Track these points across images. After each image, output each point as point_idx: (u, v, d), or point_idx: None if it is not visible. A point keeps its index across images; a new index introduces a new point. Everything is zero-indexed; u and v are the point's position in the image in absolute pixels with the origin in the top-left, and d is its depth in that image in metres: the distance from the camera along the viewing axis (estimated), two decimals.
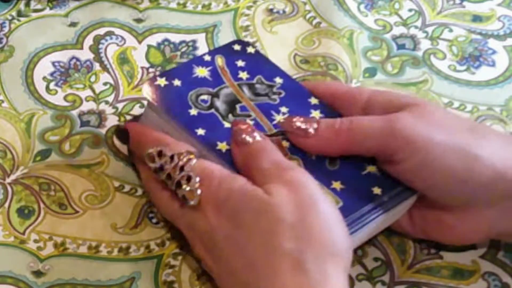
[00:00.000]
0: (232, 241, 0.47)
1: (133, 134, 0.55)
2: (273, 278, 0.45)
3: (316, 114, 0.54)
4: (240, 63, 0.57)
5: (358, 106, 0.53)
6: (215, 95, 0.55)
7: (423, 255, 0.55)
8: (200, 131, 0.53)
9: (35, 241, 0.55)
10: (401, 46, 0.66)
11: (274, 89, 0.56)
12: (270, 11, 0.69)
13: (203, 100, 0.54)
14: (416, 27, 0.68)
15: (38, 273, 0.53)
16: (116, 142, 0.60)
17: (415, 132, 0.49)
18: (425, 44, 0.67)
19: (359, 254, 0.55)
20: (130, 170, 0.59)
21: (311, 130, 0.52)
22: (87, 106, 0.62)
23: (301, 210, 0.46)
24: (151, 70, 0.64)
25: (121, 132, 0.57)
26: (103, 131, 0.61)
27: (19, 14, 0.68)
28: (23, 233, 0.55)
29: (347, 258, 0.47)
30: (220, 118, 0.54)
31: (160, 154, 0.51)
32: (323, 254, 0.45)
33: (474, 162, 0.49)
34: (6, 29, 0.66)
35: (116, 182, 0.58)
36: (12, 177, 0.58)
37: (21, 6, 0.68)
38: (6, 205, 0.56)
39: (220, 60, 0.57)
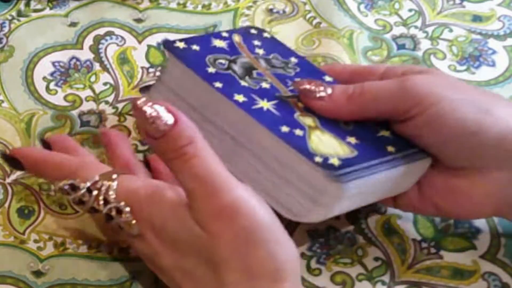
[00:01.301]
0: (179, 267, 0.47)
1: (27, 163, 0.54)
2: None
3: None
4: (257, 42, 0.58)
5: (374, 79, 0.54)
6: (233, 61, 0.55)
7: (423, 255, 0.55)
8: (218, 84, 0.52)
9: (35, 241, 0.55)
10: (401, 46, 0.66)
11: (290, 65, 0.56)
12: (270, 11, 0.69)
13: (220, 63, 0.55)
14: (416, 27, 0.68)
15: (38, 273, 0.53)
16: None
17: (427, 88, 0.50)
18: (425, 44, 0.67)
19: (359, 254, 0.55)
20: None
21: (324, 94, 0.52)
22: (87, 106, 0.62)
23: (240, 243, 0.44)
24: (151, 70, 0.64)
25: (10, 160, 0.55)
26: None
27: (19, 14, 0.68)
28: (23, 233, 0.55)
29: (296, 269, 0.46)
30: (237, 77, 0.54)
31: (74, 187, 0.49)
32: (273, 280, 0.44)
33: (484, 115, 0.50)
34: (6, 29, 0.66)
35: None
36: (12, 177, 0.58)
37: (21, 6, 0.68)
38: (6, 205, 0.56)
39: (237, 37, 0.58)
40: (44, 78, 0.64)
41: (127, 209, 0.47)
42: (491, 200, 0.52)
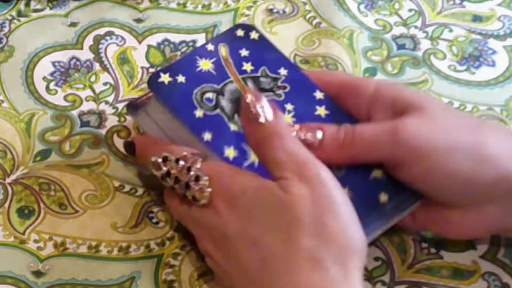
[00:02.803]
0: (245, 236, 0.47)
1: (138, 146, 0.55)
2: (288, 275, 0.45)
3: (321, 110, 0.54)
4: (244, 52, 0.57)
5: (363, 99, 0.54)
6: (220, 93, 0.55)
7: (423, 255, 0.55)
8: (207, 136, 0.52)
9: (35, 241, 0.55)
10: (401, 46, 0.66)
11: (279, 83, 0.56)
12: (270, 11, 0.69)
13: (208, 99, 0.54)
14: (416, 27, 0.68)
15: (38, 273, 0.53)
16: (116, 141, 0.60)
17: (419, 141, 0.50)
18: (425, 44, 0.66)
19: None
20: (130, 170, 0.59)
21: (315, 141, 0.51)
22: (87, 106, 0.62)
23: (319, 209, 0.46)
24: (151, 70, 0.64)
25: (129, 145, 0.56)
26: (103, 131, 0.61)
27: (19, 14, 0.68)
28: (23, 233, 0.55)
29: (363, 255, 0.47)
30: (226, 119, 0.53)
31: (165, 159, 0.51)
32: (342, 253, 0.46)
33: (479, 163, 0.50)
34: (6, 29, 0.66)
35: (116, 182, 0.58)
36: (12, 177, 0.58)
37: (21, 6, 0.68)
38: (6, 205, 0.56)
39: (223, 50, 0.57)
40: (44, 78, 0.64)
41: (206, 178, 0.49)
42: (483, 229, 0.53)
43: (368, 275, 0.54)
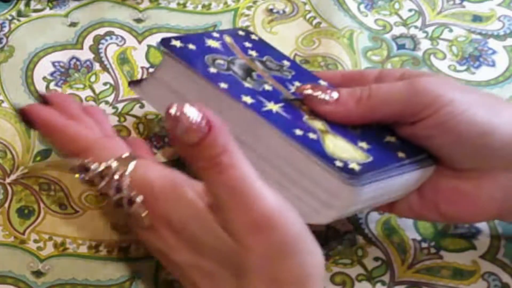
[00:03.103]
0: (199, 268, 0.46)
1: (41, 124, 0.52)
2: None
3: None
4: (248, 44, 0.57)
5: (368, 82, 0.53)
6: (231, 62, 0.54)
7: (423, 255, 0.55)
8: (223, 85, 0.52)
9: (35, 241, 0.55)
10: (401, 46, 0.66)
11: (285, 68, 0.56)
12: (270, 11, 0.69)
13: (220, 64, 0.54)
14: (416, 27, 0.68)
15: (38, 273, 0.53)
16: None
17: (437, 89, 0.50)
18: (425, 44, 0.67)
19: (359, 254, 0.55)
20: None
21: (331, 98, 0.50)
22: None
23: (271, 259, 0.43)
24: (151, 70, 0.64)
25: (22, 114, 0.52)
26: None
27: (19, 14, 0.68)
28: (23, 233, 0.55)
29: (321, 274, 0.45)
30: (239, 78, 0.53)
31: (85, 168, 0.48)
32: (299, 285, 0.44)
33: (494, 117, 0.50)
34: (6, 29, 0.66)
35: None
36: (12, 177, 0.58)
37: (21, 6, 0.68)
38: (6, 205, 0.56)
39: (228, 38, 0.57)
40: (44, 78, 0.64)
41: (139, 199, 0.46)
42: (495, 203, 0.52)
43: (368, 275, 0.54)
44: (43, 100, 0.57)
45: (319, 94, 0.51)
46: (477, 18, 0.68)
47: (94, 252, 0.54)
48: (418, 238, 0.56)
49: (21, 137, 0.60)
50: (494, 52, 0.66)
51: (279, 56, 0.58)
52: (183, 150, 0.43)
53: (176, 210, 0.46)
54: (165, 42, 0.55)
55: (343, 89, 0.51)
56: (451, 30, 0.68)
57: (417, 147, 0.51)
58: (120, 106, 0.62)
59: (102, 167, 0.47)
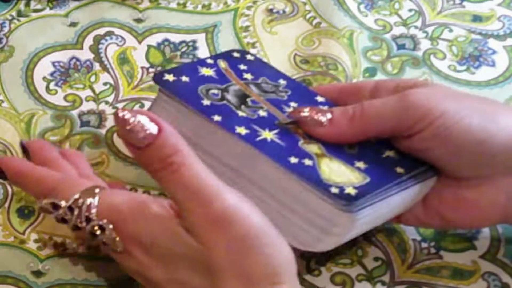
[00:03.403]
0: (174, 281, 0.46)
1: (10, 175, 0.54)
2: None
3: None
4: (243, 66, 0.57)
5: (365, 94, 0.53)
6: (225, 90, 0.54)
7: (423, 255, 0.55)
8: (217, 117, 0.51)
9: (35, 241, 0.55)
10: (401, 46, 0.66)
11: (280, 88, 0.56)
12: (270, 11, 0.69)
13: (213, 94, 0.54)
14: (416, 27, 0.68)
15: (38, 273, 0.53)
16: (116, 141, 0.60)
17: (429, 101, 0.49)
18: (425, 44, 0.66)
19: (359, 254, 0.55)
20: (130, 170, 0.59)
21: (324, 119, 0.51)
22: (87, 106, 0.62)
23: (234, 254, 0.44)
24: (151, 70, 0.64)
25: None
26: (103, 131, 0.61)
27: (19, 14, 0.68)
28: (23, 233, 0.55)
29: (293, 270, 0.45)
30: (233, 108, 0.53)
31: (55, 206, 0.49)
32: (268, 285, 0.44)
33: (490, 123, 0.49)
34: (6, 29, 0.66)
35: None
36: None
37: (21, 6, 0.68)
38: (6, 205, 0.56)
39: (223, 63, 0.57)
40: (44, 78, 0.64)
41: (110, 226, 0.47)
42: (498, 208, 0.52)
43: (368, 275, 0.54)
44: (22, 147, 0.57)
45: (312, 117, 0.51)
46: (477, 18, 0.68)
47: (94, 252, 0.54)
48: (418, 238, 0.56)
49: (21, 137, 0.60)
50: (494, 52, 0.66)
51: (275, 75, 0.57)
52: (136, 154, 0.45)
53: (144, 228, 0.47)
54: (158, 77, 0.54)
55: (336, 109, 0.51)
56: (451, 30, 0.67)
57: (417, 159, 0.51)
58: (120, 106, 0.62)
59: (70, 201, 0.48)
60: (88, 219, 0.48)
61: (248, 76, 0.56)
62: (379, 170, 0.50)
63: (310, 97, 0.55)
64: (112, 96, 0.63)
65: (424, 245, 0.55)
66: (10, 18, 0.67)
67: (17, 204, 0.56)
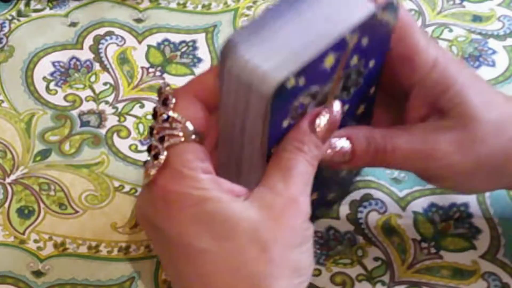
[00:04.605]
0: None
1: None
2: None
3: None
4: (365, 41, 0.46)
5: (413, 81, 0.50)
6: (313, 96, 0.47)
7: (423, 255, 0.55)
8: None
9: (35, 241, 0.55)
10: None
11: (360, 77, 0.49)
12: None
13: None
14: None
15: (38, 273, 0.53)
16: (116, 141, 0.60)
17: (455, 160, 0.50)
18: None
19: (359, 254, 0.55)
20: (130, 170, 0.59)
21: (346, 152, 0.49)
22: (87, 106, 0.62)
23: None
24: (151, 70, 0.64)
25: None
26: (103, 131, 0.61)
27: (19, 14, 0.68)
28: (23, 233, 0.55)
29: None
30: None
31: (155, 114, 0.46)
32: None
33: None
34: (6, 29, 0.66)
35: (116, 182, 0.58)
36: (12, 177, 0.58)
37: (21, 6, 0.68)
38: (6, 205, 0.56)
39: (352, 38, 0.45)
40: (44, 78, 0.64)
41: (162, 157, 0.44)
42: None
43: (368, 275, 0.54)
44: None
45: (336, 144, 0.49)
46: (477, 18, 0.68)
47: (94, 252, 0.54)
48: (418, 238, 0.56)
49: (21, 137, 0.60)
50: (494, 52, 0.66)
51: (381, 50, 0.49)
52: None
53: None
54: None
55: (358, 146, 0.49)
56: (451, 30, 0.67)
57: None
58: (120, 106, 0.62)
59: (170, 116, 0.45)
60: (162, 139, 0.45)
61: (354, 60, 0.47)
62: None
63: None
64: (112, 96, 0.63)
65: (424, 245, 0.55)
66: (10, 18, 0.67)
67: (17, 204, 0.57)
